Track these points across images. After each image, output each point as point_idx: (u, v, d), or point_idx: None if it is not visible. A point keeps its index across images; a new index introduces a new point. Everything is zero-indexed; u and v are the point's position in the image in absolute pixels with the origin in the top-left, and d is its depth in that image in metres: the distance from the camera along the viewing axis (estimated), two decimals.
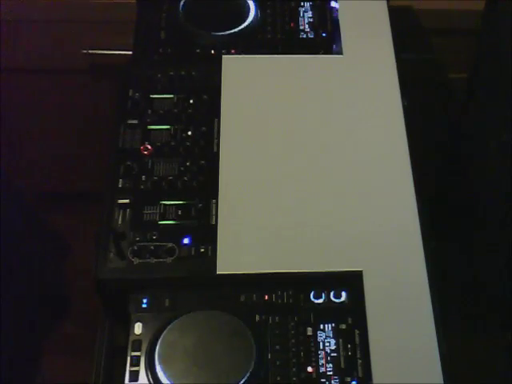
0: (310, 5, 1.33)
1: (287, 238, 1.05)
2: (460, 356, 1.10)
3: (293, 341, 0.96)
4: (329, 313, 0.98)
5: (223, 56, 1.24)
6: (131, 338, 0.95)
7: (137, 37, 1.28)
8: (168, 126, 1.15)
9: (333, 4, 1.33)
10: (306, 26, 1.30)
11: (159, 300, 0.98)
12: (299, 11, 1.32)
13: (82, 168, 1.79)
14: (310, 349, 0.95)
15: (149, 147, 1.13)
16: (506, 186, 1.36)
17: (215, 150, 1.13)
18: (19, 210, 1.06)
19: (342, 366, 0.94)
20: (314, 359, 0.94)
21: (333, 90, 1.21)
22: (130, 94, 1.18)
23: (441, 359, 0.95)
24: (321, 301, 0.99)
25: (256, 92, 1.20)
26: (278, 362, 0.94)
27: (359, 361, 0.94)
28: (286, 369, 0.94)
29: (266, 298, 0.99)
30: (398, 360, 0.95)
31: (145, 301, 0.98)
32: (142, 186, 1.09)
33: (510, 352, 1.48)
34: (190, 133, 1.14)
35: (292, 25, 1.30)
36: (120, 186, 1.09)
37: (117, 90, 1.20)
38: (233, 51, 1.26)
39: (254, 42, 1.27)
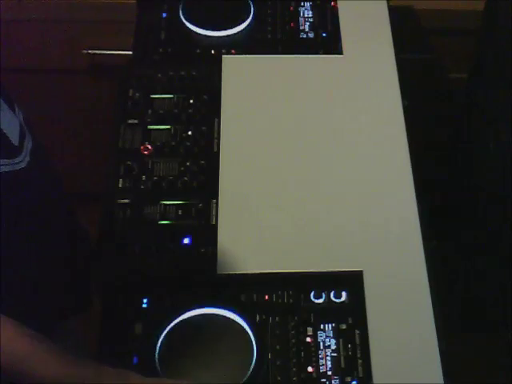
0: (310, 5, 1.33)
1: (287, 238, 1.05)
2: (460, 356, 1.10)
3: (293, 341, 0.96)
4: (329, 313, 0.98)
5: (223, 56, 1.24)
6: (131, 338, 0.95)
7: (137, 37, 1.28)
8: (168, 126, 1.15)
9: (333, 4, 1.33)
10: (306, 26, 1.30)
11: (159, 300, 0.98)
12: (299, 11, 1.32)
13: (82, 168, 1.79)
14: (311, 349, 0.95)
15: (149, 147, 1.13)
16: (506, 186, 1.36)
17: (215, 149, 1.13)
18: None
19: (343, 365, 0.94)
20: (314, 359, 0.94)
21: (333, 90, 1.21)
22: (130, 94, 1.19)
23: (441, 359, 0.95)
24: (321, 301, 0.99)
25: (256, 92, 1.20)
26: (278, 362, 0.94)
27: (359, 361, 0.94)
28: (286, 369, 0.94)
29: (266, 297, 0.99)
30: (398, 360, 0.95)
31: (145, 301, 0.98)
32: (142, 186, 1.09)
33: (510, 352, 1.48)
34: (190, 133, 1.14)
35: (292, 25, 1.30)
36: (120, 186, 1.09)
37: (117, 90, 1.20)
38: (233, 51, 1.26)
39: (254, 42, 1.27)
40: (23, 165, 0.94)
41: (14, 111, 0.95)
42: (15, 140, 0.93)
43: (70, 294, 1.13)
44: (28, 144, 0.96)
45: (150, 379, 0.85)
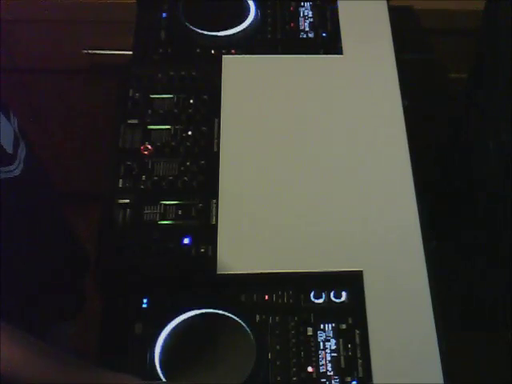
0: (310, 5, 1.33)
1: (287, 238, 1.05)
2: (460, 356, 1.10)
3: (293, 341, 0.96)
4: (329, 313, 0.98)
5: (223, 56, 1.24)
6: (131, 338, 0.95)
7: (137, 37, 1.28)
8: (168, 126, 1.15)
9: (333, 4, 1.33)
10: (306, 25, 1.30)
11: (159, 300, 0.98)
12: (299, 11, 1.32)
13: (82, 168, 1.80)
14: (311, 349, 0.95)
15: (149, 147, 1.13)
16: (506, 186, 1.36)
17: (215, 149, 1.13)
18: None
19: (343, 365, 0.94)
20: (314, 359, 0.94)
21: (333, 90, 1.21)
22: (130, 93, 1.18)
23: (441, 359, 0.95)
24: (321, 301, 0.99)
25: (256, 92, 1.20)
26: (278, 362, 0.94)
27: (359, 361, 0.94)
28: (286, 369, 0.94)
29: (266, 298, 0.99)
30: (398, 360, 0.95)
31: (145, 301, 0.98)
32: (142, 186, 1.09)
33: (510, 352, 1.48)
34: (190, 133, 1.14)
35: (292, 25, 1.30)
36: (120, 186, 1.09)
37: (117, 90, 1.20)
38: (233, 51, 1.26)
39: (254, 42, 1.27)
40: (17, 172, 0.94)
41: (9, 119, 0.95)
42: (9, 148, 0.93)
43: (63, 297, 1.13)
44: (22, 152, 0.97)
45: (147, 382, 0.85)
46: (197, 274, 1.02)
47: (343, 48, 1.27)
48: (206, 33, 1.26)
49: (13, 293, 0.95)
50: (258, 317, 0.97)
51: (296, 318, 0.98)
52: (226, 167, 1.11)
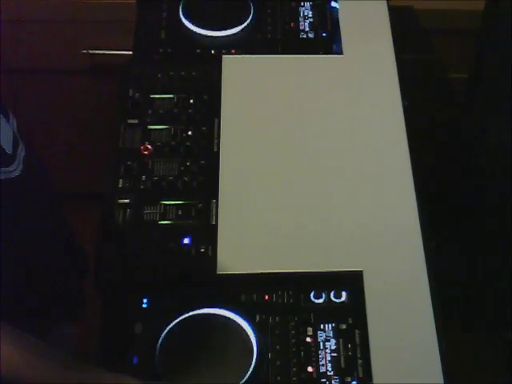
0: (310, 5, 1.33)
1: (287, 238, 1.05)
2: (460, 356, 1.10)
3: (293, 341, 0.96)
4: (329, 313, 0.98)
5: (223, 56, 1.24)
6: (131, 338, 0.95)
7: (137, 37, 1.28)
8: (168, 126, 1.15)
9: (333, 4, 1.33)
10: (306, 26, 1.30)
11: (159, 300, 0.98)
12: (299, 11, 1.32)
13: (81, 168, 1.80)
14: (311, 349, 0.95)
15: (149, 147, 1.13)
16: (506, 186, 1.36)
17: (215, 149, 1.13)
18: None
19: (342, 365, 0.94)
20: (314, 359, 0.94)
21: (333, 90, 1.21)
22: (130, 93, 1.18)
23: (441, 359, 0.95)
24: (321, 301, 0.99)
25: (256, 92, 1.20)
26: (278, 362, 0.94)
27: (359, 361, 0.94)
28: (286, 369, 0.94)
29: (266, 297, 0.99)
30: (398, 360, 0.95)
31: (145, 301, 0.98)
32: (142, 186, 1.09)
33: (510, 352, 1.48)
34: (190, 133, 1.14)
35: (292, 25, 1.30)
36: (120, 186, 1.09)
37: (117, 90, 1.20)
38: (233, 51, 1.26)
39: (254, 42, 1.27)
40: (17, 173, 0.94)
41: (8, 119, 0.95)
42: (9, 149, 0.94)
43: (63, 297, 1.13)
44: (21, 152, 0.97)
45: (147, 382, 0.85)
46: (197, 274, 1.02)
47: (343, 48, 1.27)
48: (206, 33, 1.26)
49: (13, 293, 0.95)
50: (258, 317, 0.97)
51: (296, 318, 0.98)
52: (226, 167, 1.11)
